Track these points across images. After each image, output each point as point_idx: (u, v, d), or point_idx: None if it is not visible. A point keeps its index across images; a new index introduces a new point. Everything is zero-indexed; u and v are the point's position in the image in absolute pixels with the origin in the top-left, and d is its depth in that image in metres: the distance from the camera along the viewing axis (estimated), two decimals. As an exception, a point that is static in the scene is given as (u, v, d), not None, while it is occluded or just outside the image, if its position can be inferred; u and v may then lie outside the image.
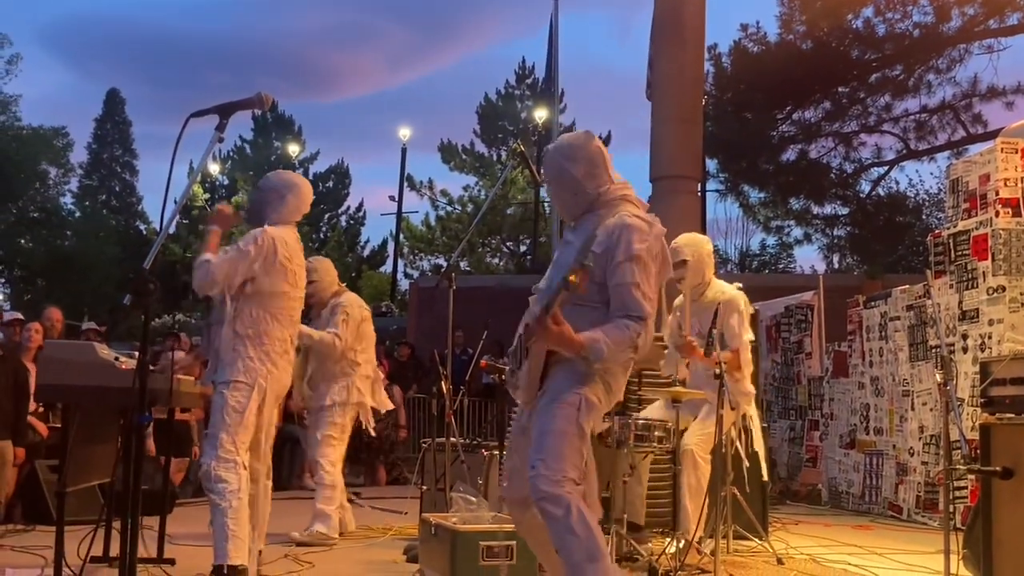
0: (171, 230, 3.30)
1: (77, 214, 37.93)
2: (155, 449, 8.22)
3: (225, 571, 4.24)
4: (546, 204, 30.27)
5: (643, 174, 12.15)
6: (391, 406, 7.12)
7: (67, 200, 37.94)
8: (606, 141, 33.96)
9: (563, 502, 3.21)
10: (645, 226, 3.50)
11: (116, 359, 4.43)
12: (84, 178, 39.74)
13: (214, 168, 34.74)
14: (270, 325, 4.61)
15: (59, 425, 7.42)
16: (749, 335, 5.84)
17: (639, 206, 3.62)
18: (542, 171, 3.70)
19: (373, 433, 6.93)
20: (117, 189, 41.09)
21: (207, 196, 35.39)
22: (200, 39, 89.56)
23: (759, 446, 6.09)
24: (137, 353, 3.65)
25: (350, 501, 6.93)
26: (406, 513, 7.50)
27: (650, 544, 5.63)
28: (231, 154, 37.65)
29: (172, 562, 4.97)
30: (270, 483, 4.95)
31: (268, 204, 4.81)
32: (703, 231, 15.88)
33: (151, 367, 4.17)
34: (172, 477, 7.53)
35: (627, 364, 3.50)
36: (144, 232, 38.67)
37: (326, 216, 38.12)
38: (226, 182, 36.94)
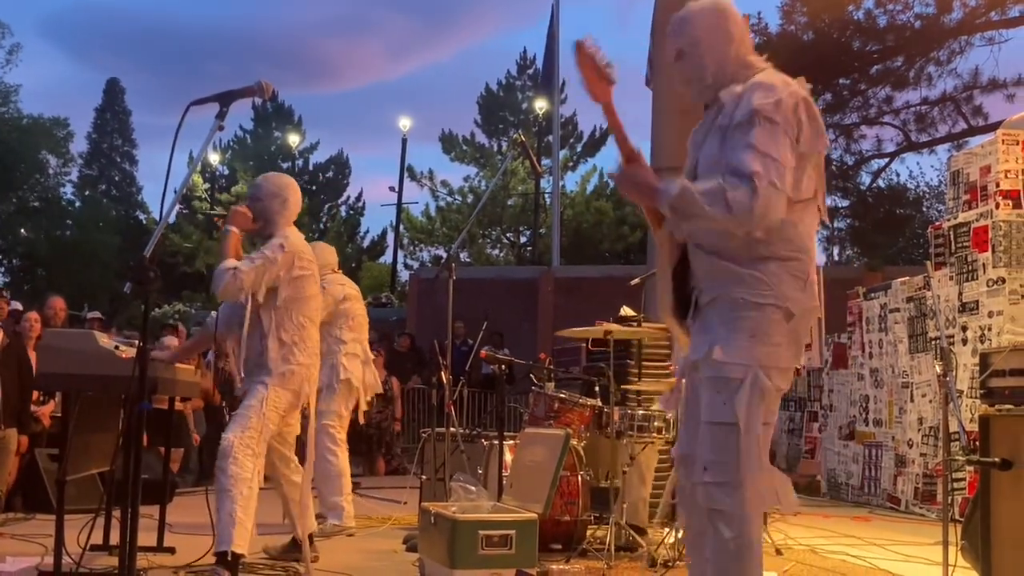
0: (171, 219, 3.30)
1: (77, 203, 37.97)
2: (148, 440, 8.22)
3: (229, 558, 4.23)
4: (546, 195, 30.33)
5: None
6: (379, 390, 7.08)
7: (67, 190, 38.09)
8: (606, 133, 33.94)
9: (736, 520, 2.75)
10: (778, 82, 2.86)
11: (116, 347, 4.44)
12: (84, 168, 39.75)
13: (214, 158, 34.72)
14: (310, 330, 4.72)
15: (59, 414, 7.44)
16: None
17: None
18: (670, 36, 3.10)
19: (362, 420, 6.88)
20: (117, 179, 41.09)
21: (207, 186, 35.39)
22: (200, 28, 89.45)
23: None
24: (137, 341, 3.65)
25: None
26: (405, 503, 7.51)
27: (649, 534, 5.65)
28: (231, 144, 37.64)
29: (172, 551, 4.99)
30: (297, 477, 4.95)
31: (274, 210, 4.81)
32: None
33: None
34: (170, 467, 7.54)
35: (796, 302, 2.81)
36: (144, 222, 38.67)
37: (326, 206, 38.09)
38: (226, 172, 36.93)
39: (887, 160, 20.49)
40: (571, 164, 34.18)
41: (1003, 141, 7.07)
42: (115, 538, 4.81)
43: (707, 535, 2.80)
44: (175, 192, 3.66)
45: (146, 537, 4.61)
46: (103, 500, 5.05)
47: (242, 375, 4.65)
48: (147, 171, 58.61)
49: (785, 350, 2.82)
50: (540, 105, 28.05)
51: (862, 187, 21.10)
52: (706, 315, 2.89)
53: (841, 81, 18.93)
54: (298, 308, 4.67)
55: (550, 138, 27.48)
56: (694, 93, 3.10)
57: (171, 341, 9.54)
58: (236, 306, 4.71)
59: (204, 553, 4.55)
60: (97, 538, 4.73)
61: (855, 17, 17.70)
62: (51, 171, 35.99)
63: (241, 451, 4.33)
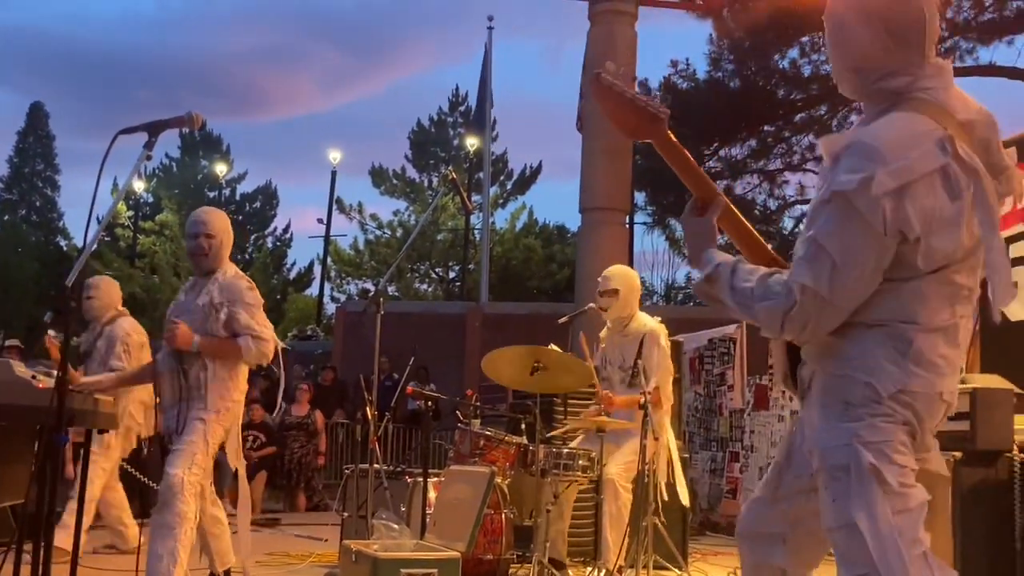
0: (93, 247, 3.23)
1: (-4, 229, 37.06)
2: (72, 472, 8.03)
3: None
4: (476, 232, 30.41)
5: (574, 205, 12.27)
6: (156, 431, 7.06)
7: (-15, 214, 37.10)
8: (536, 171, 34.24)
9: None
10: (895, 140, 2.13)
11: (33, 377, 4.33)
12: (4, 192, 38.90)
13: (139, 185, 34.16)
14: (243, 370, 4.71)
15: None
16: (670, 369, 5.89)
17: (938, 115, 2.20)
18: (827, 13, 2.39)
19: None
20: (38, 204, 40.25)
21: (131, 213, 34.83)
22: (127, 55, 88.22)
23: (679, 475, 6.11)
24: (55, 371, 3.58)
25: (270, 525, 6.84)
26: (326, 540, 7.42)
27: (571, 574, 5.64)
28: (157, 171, 37.06)
29: (85, 586, 4.86)
30: (215, 510, 4.89)
31: (226, 245, 4.80)
32: (631, 263, 16.06)
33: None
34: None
35: (929, 398, 2.25)
36: (65, 248, 37.88)
37: (252, 237, 37.70)
38: (151, 200, 36.40)
39: (809, 206, 20.98)
40: (501, 201, 34.35)
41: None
42: (26, 573, 4.67)
43: None
44: (99, 220, 3.62)
45: (59, 572, 4.48)
46: (15, 534, 4.90)
47: (163, 404, 4.60)
48: (69, 197, 57.61)
49: (898, 431, 2.22)
50: (471, 142, 28.20)
51: (784, 231, 21.52)
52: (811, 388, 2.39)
53: (766, 128, 19.33)
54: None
55: (481, 175, 27.61)
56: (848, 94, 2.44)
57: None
58: None
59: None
60: (7, 573, 4.59)
61: (780, 66, 18.14)
62: (-31, 194, 35.17)
63: (188, 489, 4.30)
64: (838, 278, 2.14)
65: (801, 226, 2.85)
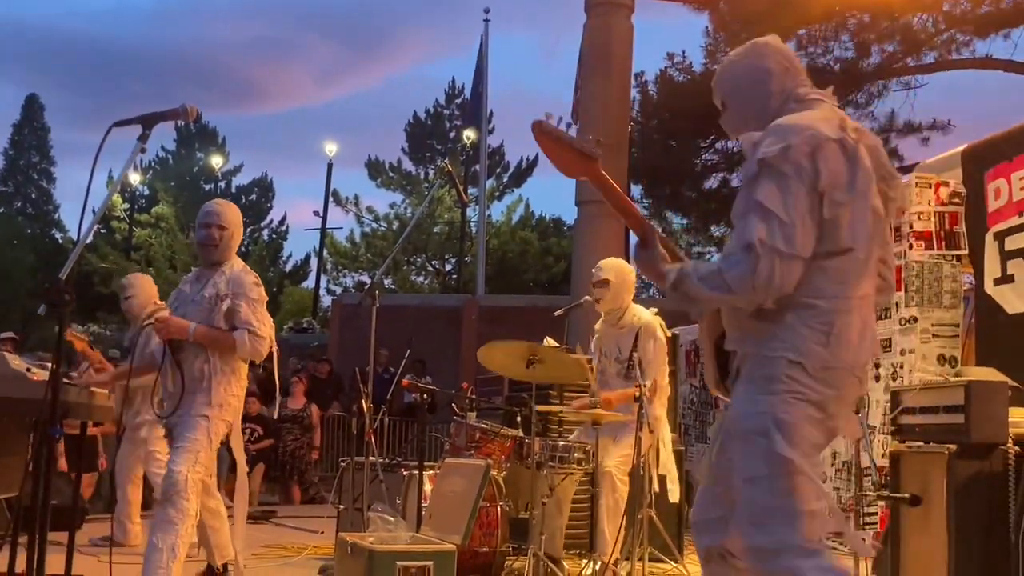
0: (89, 240, 3.22)
1: (-9, 221, 36.98)
2: (67, 465, 8.03)
3: None
4: (472, 224, 30.40)
5: (570, 198, 12.25)
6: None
7: (-20, 207, 37.03)
8: (532, 164, 34.21)
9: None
10: (799, 122, 2.60)
11: (28, 370, 4.32)
12: (0, 184, 38.78)
13: (135, 177, 34.11)
14: (242, 363, 4.69)
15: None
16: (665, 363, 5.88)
17: (831, 112, 2.69)
18: (716, 87, 2.95)
19: None
20: (33, 196, 40.17)
21: (126, 206, 34.77)
22: (123, 47, 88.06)
23: (670, 469, 6.08)
24: (49, 364, 3.57)
25: (265, 517, 6.86)
26: (322, 533, 7.42)
27: (567, 566, 5.65)
28: (153, 164, 37.06)
29: (80, 579, 4.85)
30: (214, 503, 4.92)
31: (236, 239, 4.82)
32: (627, 255, 16.03)
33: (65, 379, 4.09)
34: (82, 492, 7.36)
35: (835, 369, 2.54)
36: (60, 241, 37.85)
37: (248, 230, 37.60)
38: (147, 192, 36.34)
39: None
40: (497, 194, 34.33)
41: (917, 184, 7.26)
42: (21, 566, 4.67)
43: None
44: (94, 212, 3.61)
45: (54, 564, 4.48)
46: (10, 526, 4.90)
47: (165, 395, 4.60)
48: (65, 189, 57.49)
49: (812, 408, 2.53)
50: (468, 134, 28.16)
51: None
52: (739, 373, 2.70)
53: (762, 120, 19.33)
54: None
55: (477, 167, 27.60)
56: (741, 135, 2.82)
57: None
58: None
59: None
60: (1, 565, 4.58)
61: (777, 59, 18.12)
62: (-36, 187, 35.09)
63: (191, 486, 4.31)
64: (785, 229, 2.47)
65: None
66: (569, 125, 2.88)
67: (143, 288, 6.71)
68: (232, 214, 4.83)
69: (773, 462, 2.48)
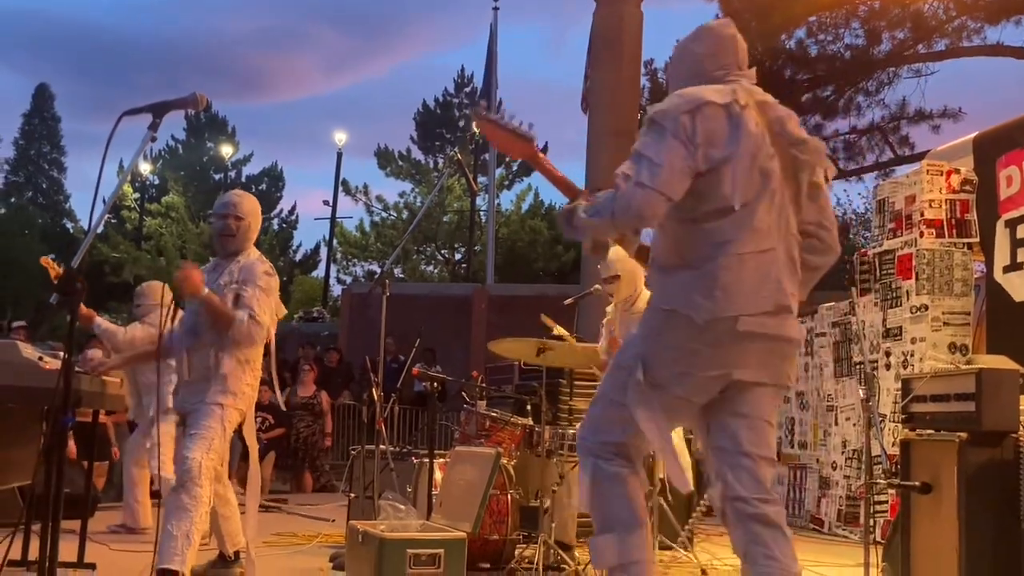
0: (99, 229, 3.24)
1: (2, 211, 37.07)
2: (75, 453, 8.07)
3: None
4: (482, 213, 30.39)
5: (580, 186, 12.23)
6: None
7: (-9, 197, 37.17)
8: (543, 152, 34.10)
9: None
10: (690, 90, 2.89)
11: (40, 358, 4.34)
12: (10, 174, 38.96)
13: (145, 167, 34.22)
14: (258, 353, 4.70)
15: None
16: None
17: (750, 91, 3.00)
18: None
19: None
20: (44, 186, 40.33)
21: (136, 195, 34.85)
22: (133, 37, 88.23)
23: (681, 454, 6.10)
24: (61, 353, 3.59)
25: (277, 505, 6.89)
26: (333, 520, 7.44)
27: (578, 554, 5.66)
28: (163, 153, 37.14)
29: (93, 567, 4.87)
30: (226, 491, 4.96)
31: (253, 229, 4.83)
32: (636, 244, 15.98)
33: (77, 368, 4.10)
34: (94, 481, 7.40)
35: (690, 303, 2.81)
36: (71, 230, 37.94)
37: (259, 219, 37.65)
38: (157, 182, 36.41)
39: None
40: (507, 183, 34.27)
41: (928, 171, 7.24)
42: (34, 553, 4.69)
43: None
44: (104, 202, 3.61)
45: (67, 552, 4.51)
46: (23, 514, 4.92)
47: (181, 382, 4.63)
48: (75, 179, 57.65)
49: (685, 355, 2.83)
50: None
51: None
52: None
53: (772, 108, 19.26)
54: None
55: (486, 156, 27.55)
56: None
57: (95, 353, 9.35)
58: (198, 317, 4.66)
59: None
60: (16, 553, 4.61)
61: (787, 46, 18.03)
62: (-25, 177, 35.20)
63: (205, 473, 4.32)
64: (654, 169, 2.72)
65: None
66: (512, 118, 3.17)
67: (157, 298, 6.72)
68: (249, 204, 4.84)
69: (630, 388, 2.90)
